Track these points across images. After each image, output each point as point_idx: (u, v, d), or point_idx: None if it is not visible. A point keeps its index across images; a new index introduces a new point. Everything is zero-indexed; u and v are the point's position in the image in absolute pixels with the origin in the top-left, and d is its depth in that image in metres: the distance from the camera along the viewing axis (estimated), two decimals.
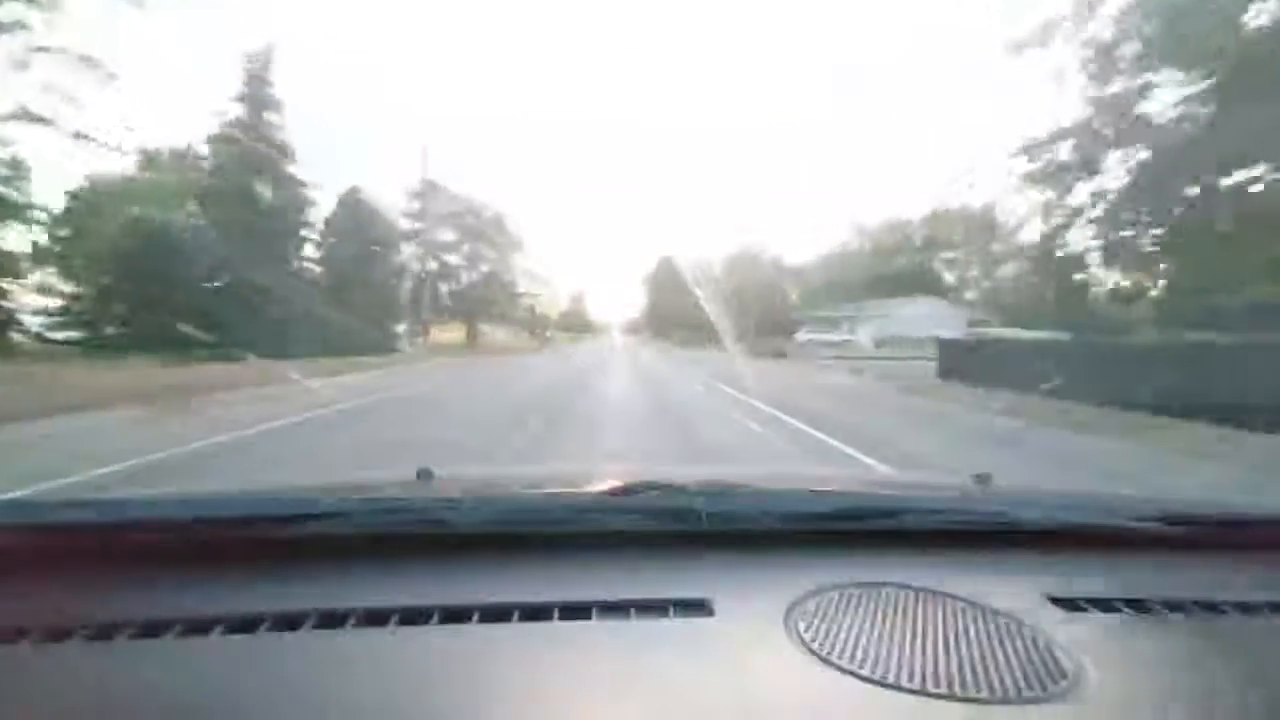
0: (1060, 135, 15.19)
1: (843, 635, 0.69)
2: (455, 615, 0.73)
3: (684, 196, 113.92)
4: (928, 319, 31.47)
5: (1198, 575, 0.92)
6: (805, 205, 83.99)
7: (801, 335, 37.76)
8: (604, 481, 1.11)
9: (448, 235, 37.64)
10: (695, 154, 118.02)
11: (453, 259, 38.49)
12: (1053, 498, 1.21)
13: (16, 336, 18.79)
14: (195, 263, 17.28)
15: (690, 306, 41.06)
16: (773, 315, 42.86)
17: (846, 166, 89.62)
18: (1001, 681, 0.62)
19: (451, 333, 37.89)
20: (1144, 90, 13.67)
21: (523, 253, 43.60)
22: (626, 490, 1.01)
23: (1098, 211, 15.13)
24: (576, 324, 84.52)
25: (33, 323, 20.21)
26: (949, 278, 48.58)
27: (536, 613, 0.73)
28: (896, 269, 46.09)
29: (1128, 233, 15.17)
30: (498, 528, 0.94)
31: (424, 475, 1.15)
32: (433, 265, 35.78)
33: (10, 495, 1.01)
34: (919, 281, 44.03)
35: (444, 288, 37.01)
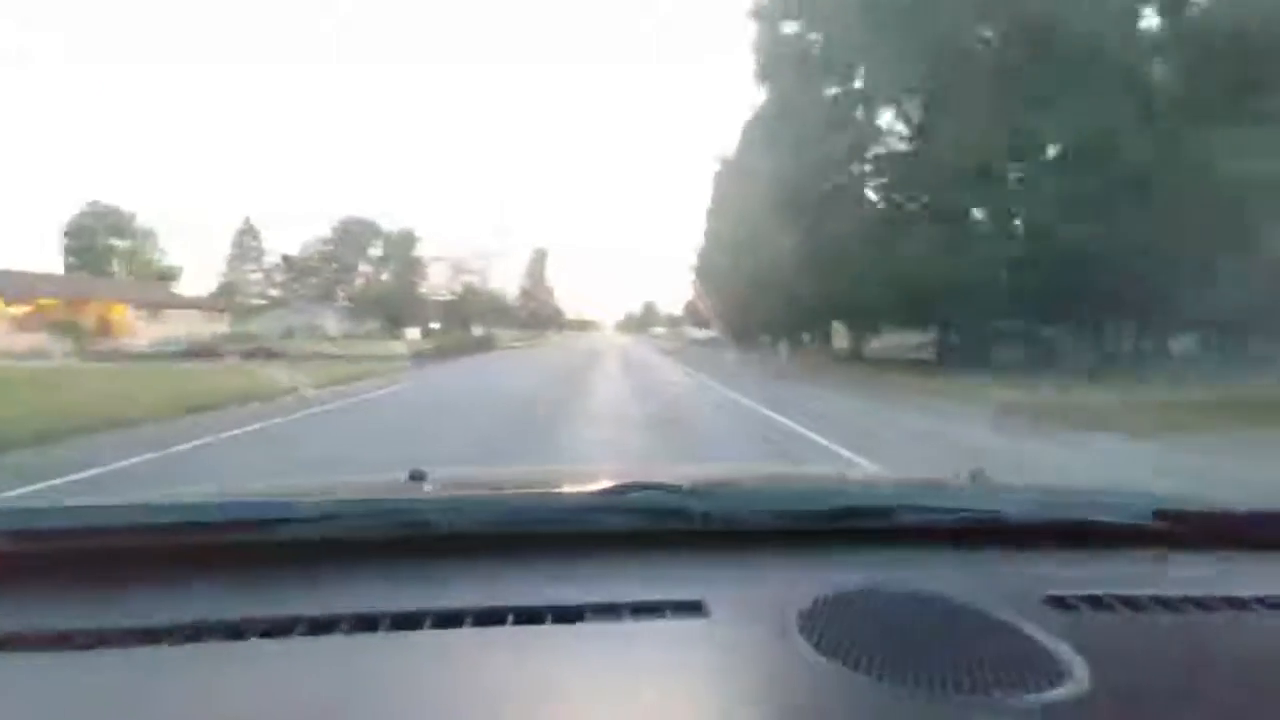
0: None
1: (839, 635, 0.69)
2: (448, 619, 0.72)
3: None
4: None
5: (1192, 572, 0.91)
6: None
7: None
8: (597, 481, 1.10)
9: None
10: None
11: None
12: (1047, 494, 1.21)
13: None
14: None
15: None
16: None
17: None
18: (997, 681, 0.61)
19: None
20: None
21: None
22: (620, 490, 1.00)
23: None
24: (544, 317, 58.99)
25: None
26: None
27: (530, 616, 0.73)
28: None
29: None
30: (490, 529, 0.93)
31: (416, 476, 1.14)
32: None
33: (5, 501, 1.01)
34: None
35: None
